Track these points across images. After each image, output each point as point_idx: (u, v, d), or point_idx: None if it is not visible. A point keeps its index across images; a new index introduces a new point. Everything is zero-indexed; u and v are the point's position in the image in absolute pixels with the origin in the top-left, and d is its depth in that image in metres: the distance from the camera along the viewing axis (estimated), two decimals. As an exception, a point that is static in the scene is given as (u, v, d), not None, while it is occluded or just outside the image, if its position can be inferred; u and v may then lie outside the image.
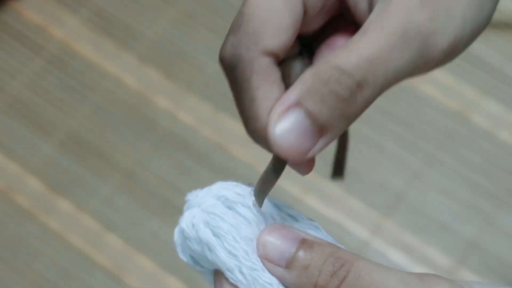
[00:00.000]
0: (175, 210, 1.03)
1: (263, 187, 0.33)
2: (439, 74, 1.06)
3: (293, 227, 0.31)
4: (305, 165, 0.32)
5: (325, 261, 0.29)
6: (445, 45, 0.30)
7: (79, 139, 1.07)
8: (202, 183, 1.14)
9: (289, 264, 0.29)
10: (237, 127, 1.05)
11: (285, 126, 0.29)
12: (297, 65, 0.33)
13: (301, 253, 0.29)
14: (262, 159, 1.03)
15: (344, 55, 0.28)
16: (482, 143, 1.04)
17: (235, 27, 0.31)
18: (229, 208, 0.33)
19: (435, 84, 1.06)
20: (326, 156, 0.39)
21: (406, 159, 1.03)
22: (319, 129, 0.28)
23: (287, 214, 0.33)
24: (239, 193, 0.32)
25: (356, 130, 0.98)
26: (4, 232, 1.03)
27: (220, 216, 0.32)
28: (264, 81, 0.30)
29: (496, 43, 1.08)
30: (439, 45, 0.29)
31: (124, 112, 1.08)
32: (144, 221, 1.02)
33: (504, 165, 1.02)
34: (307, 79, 0.28)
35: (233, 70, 0.31)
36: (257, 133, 0.31)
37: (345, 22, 0.34)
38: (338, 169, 0.37)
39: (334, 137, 0.29)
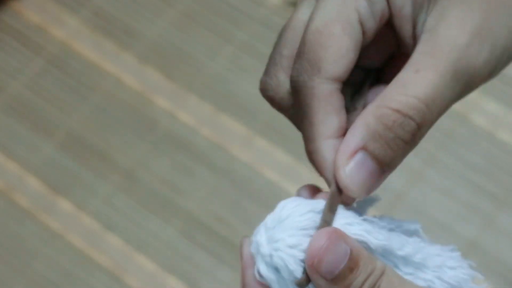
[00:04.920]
0: (175, 210, 1.03)
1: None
2: (439, 74, 1.06)
3: (344, 234, 0.31)
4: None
5: (365, 280, 0.31)
6: (486, 74, 0.32)
7: (79, 139, 1.07)
8: (202, 183, 1.14)
9: (334, 279, 0.30)
10: (237, 127, 1.05)
11: (352, 168, 0.31)
12: (360, 93, 0.35)
13: (347, 271, 0.30)
14: (262, 159, 1.03)
15: (403, 99, 0.30)
16: (482, 143, 1.04)
17: (298, 54, 0.32)
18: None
19: (435, 84, 1.06)
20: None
21: (406, 159, 1.03)
22: (383, 168, 0.32)
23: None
24: (311, 218, 0.32)
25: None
26: (4, 232, 1.03)
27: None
28: (323, 107, 0.32)
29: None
30: (482, 75, 0.32)
31: (124, 112, 1.08)
32: (144, 221, 1.02)
33: (504, 165, 1.03)
34: (370, 122, 0.30)
35: (296, 94, 0.32)
36: (311, 154, 0.33)
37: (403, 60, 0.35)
38: None
39: (393, 171, 0.32)
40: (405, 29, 0.33)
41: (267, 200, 1.02)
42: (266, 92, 0.34)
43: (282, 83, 0.34)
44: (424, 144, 1.10)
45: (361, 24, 0.32)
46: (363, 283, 0.30)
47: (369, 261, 0.31)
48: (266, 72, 0.35)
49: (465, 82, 0.32)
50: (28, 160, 1.06)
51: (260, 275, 0.32)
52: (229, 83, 1.07)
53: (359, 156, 0.31)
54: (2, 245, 1.02)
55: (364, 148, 0.31)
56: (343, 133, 0.32)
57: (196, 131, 1.06)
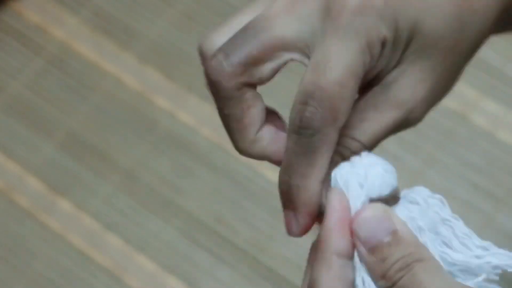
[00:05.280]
0: (175, 210, 1.03)
1: None
2: (439, 75, 1.06)
3: (394, 213, 0.34)
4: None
5: (400, 258, 0.32)
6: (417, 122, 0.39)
7: (79, 139, 1.07)
8: (202, 183, 1.14)
9: (372, 249, 0.33)
10: (237, 127, 1.05)
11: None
12: None
13: (385, 245, 0.33)
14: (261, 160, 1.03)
15: (367, 133, 0.37)
16: (481, 143, 1.04)
17: (313, 97, 0.34)
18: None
19: (435, 84, 1.06)
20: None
21: (406, 159, 1.03)
22: None
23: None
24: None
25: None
26: (5, 232, 1.03)
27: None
28: (328, 156, 0.35)
29: (496, 44, 1.08)
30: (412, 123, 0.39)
31: (124, 112, 1.08)
32: (144, 221, 1.02)
33: (504, 165, 1.03)
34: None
35: (301, 134, 0.35)
36: (298, 189, 0.36)
37: None
38: None
39: None
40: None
41: (267, 200, 1.02)
42: (216, 70, 0.35)
43: (235, 72, 0.35)
44: (424, 144, 1.11)
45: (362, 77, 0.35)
46: (397, 260, 0.32)
47: (414, 245, 0.33)
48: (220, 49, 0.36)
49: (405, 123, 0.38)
50: (28, 160, 1.06)
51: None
52: (229, 83, 1.07)
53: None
54: (2, 245, 1.02)
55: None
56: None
57: (196, 131, 1.06)
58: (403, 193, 0.36)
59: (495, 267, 0.34)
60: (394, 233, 0.33)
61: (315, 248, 0.34)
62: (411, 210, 0.35)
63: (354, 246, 0.33)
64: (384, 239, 0.33)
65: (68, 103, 1.09)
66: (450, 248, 0.34)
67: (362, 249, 0.33)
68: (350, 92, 0.34)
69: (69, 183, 1.05)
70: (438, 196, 0.36)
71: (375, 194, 0.35)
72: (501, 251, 0.34)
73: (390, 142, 1.04)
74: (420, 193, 0.36)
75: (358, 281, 0.33)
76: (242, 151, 0.38)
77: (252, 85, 0.36)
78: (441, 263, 0.34)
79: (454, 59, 0.38)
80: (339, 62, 0.33)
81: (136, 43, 1.12)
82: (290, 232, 0.36)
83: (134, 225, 1.02)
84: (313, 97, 0.33)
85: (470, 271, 0.35)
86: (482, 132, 1.04)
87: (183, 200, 1.03)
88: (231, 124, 0.37)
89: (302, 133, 0.34)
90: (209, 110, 1.07)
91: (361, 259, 0.33)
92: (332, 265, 0.33)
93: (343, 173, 0.35)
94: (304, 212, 0.35)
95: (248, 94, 0.36)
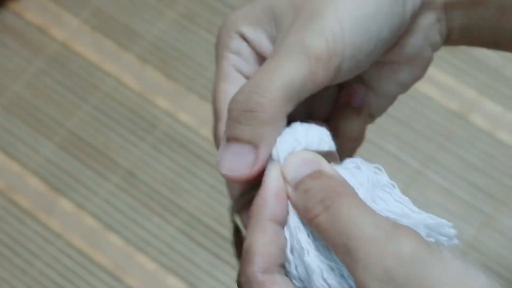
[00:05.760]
0: (175, 210, 1.03)
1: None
2: (438, 75, 1.06)
3: (323, 158, 0.34)
4: None
5: (321, 189, 0.32)
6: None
7: (79, 139, 1.07)
8: (202, 183, 1.14)
9: (296, 185, 0.33)
10: (237, 127, 1.05)
11: None
12: None
13: (308, 179, 0.33)
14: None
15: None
16: (481, 143, 1.04)
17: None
18: None
19: (434, 85, 1.06)
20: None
21: (406, 160, 1.03)
22: None
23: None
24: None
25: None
26: (5, 232, 1.03)
27: None
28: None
29: (495, 44, 1.08)
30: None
31: (125, 113, 1.08)
32: (144, 221, 1.02)
33: (503, 166, 1.03)
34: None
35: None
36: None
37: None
38: None
39: None
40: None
41: (267, 200, 1.02)
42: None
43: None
44: (424, 144, 1.11)
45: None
46: (319, 191, 0.32)
47: (339, 181, 0.32)
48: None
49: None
50: (28, 160, 1.06)
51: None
52: (229, 83, 1.07)
53: None
54: (2, 244, 1.02)
55: None
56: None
57: (196, 131, 1.06)
58: (343, 161, 0.36)
59: (428, 226, 0.34)
60: (319, 170, 0.33)
61: (251, 215, 0.34)
62: (351, 171, 0.35)
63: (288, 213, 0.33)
64: (306, 175, 0.33)
65: (68, 103, 1.09)
66: (387, 205, 0.34)
67: (289, 189, 0.33)
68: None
69: (69, 183, 1.05)
70: (376, 164, 0.36)
71: (313, 148, 0.34)
72: (438, 218, 0.34)
73: (390, 142, 1.05)
74: (359, 160, 0.36)
75: (286, 229, 0.33)
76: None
77: None
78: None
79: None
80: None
81: (136, 43, 1.12)
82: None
83: (134, 225, 1.03)
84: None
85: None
86: (482, 132, 1.04)
87: (183, 200, 1.03)
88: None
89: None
90: (209, 110, 1.07)
91: (290, 202, 0.33)
92: (266, 230, 0.33)
93: (283, 134, 0.35)
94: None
95: None
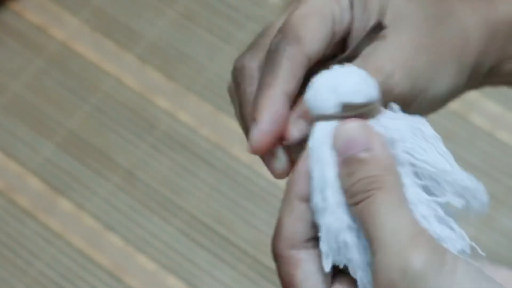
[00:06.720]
0: (175, 210, 1.03)
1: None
2: (438, 75, 1.06)
3: (375, 131, 0.34)
4: None
5: (365, 177, 0.33)
6: (403, 100, 0.39)
7: (79, 139, 1.07)
8: (202, 183, 1.14)
9: (345, 161, 0.33)
10: (237, 127, 1.05)
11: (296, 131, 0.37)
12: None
13: (355, 161, 0.33)
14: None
15: None
16: (481, 143, 1.04)
17: (280, 30, 0.38)
18: None
19: (434, 85, 1.06)
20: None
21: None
22: None
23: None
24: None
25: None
26: (5, 232, 1.03)
27: None
28: (292, 70, 0.36)
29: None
30: (398, 100, 0.38)
31: (124, 112, 1.08)
32: (144, 221, 1.02)
33: (503, 166, 1.03)
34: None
35: (271, 55, 0.37)
36: (260, 98, 0.37)
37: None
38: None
39: None
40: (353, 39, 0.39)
41: (267, 200, 1.02)
42: (241, 60, 0.40)
43: (257, 59, 0.39)
44: (424, 144, 1.10)
45: (333, 23, 0.38)
46: (360, 179, 0.33)
47: (383, 167, 0.33)
48: (244, 51, 0.40)
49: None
50: (28, 160, 1.06)
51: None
52: (229, 83, 1.07)
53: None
54: (2, 245, 1.02)
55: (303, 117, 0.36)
56: (292, 100, 0.37)
57: (196, 131, 1.06)
58: (385, 112, 0.36)
59: (465, 187, 0.34)
60: (368, 149, 0.33)
61: (284, 193, 0.36)
62: (393, 123, 0.35)
63: None
64: (357, 154, 0.33)
65: (68, 103, 1.09)
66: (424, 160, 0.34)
67: (338, 158, 0.34)
68: (314, 25, 0.37)
69: (69, 183, 1.05)
70: (419, 117, 0.36)
71: (347, 99, 0.34)
72: (476, 182, 0.34)
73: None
74: (399, 110, 0.36)
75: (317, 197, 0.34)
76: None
77: (271, 50, 0.38)
78: (409, 174, 0.34)
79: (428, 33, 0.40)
80: (308, 3, 0.38)
81: (136, 43, 1.12)
82: (250, 141, 0.37)
83: (134, 225, 1.02)
84: (282, 27, 0.38)
85: (436, 188, 0.35)
86: (482, 132, 1.04)
87: (183, 200, 1.03)
88: (248, 102, 0.39)
89: (269, 50, 0.38)
90: (209, 110, 1.07)
91: (338, 170, 0.34)
92: (294, 208, 0.34)
93: (319, 77, 0.34)
94: (265, 117, 0.36)
95: None
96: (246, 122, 0.40)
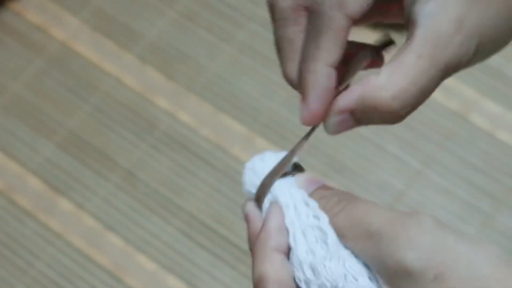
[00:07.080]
0: (175, 210, 1.03)
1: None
2: (438, 75, 1.06)
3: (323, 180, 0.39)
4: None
5: (335, 195, 0.36)
6: (466, 67, 0.38)
7: (79, 139, 1.07)
8: (202, 183, 1.14)
9: (312, 194, 0.38)
10: (237, 127, 1.06)
11: (335, 121, 0.37)
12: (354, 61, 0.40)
13: (320, 189, 0.38)
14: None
15: (401, 84, 0.35)
16: (481, 143, 1.04)
17: None
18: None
19: (434, 85, 1.06)
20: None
21: (406, 160, 1.03)
22: (357, 126, 0.37)
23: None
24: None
25: (355, 131, 0.99)
26: (5, 232, 1.03)
27: None
28: (334, 39, 0.36)
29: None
30: (463, 68, 0.38)
31: (125, 112, 1.08)
32: (144, 221, 1.02)
33: (503, 166, 1.03)
34: (366, 96, 0.35)
35: (313, 18, 0.37)
36: (305, 72, 0.37)
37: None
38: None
39: None
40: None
41: (267, 200, 1.02)
42: None
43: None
44: (424, 144, 1.11)
45: None
46: (333, 195, 0.37)
47: (344, 191, 0.37)
48: None
49: (448, 74, 0.36)
50: (28, 160, 1.07)
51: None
52: (229, 83, 1.07)
53: (346, 115, 0.36)
54: (2, 244, 1.02)
55: (351, 112, 0.36)
56: (337, 67, 0.37)
57: (196, 131, 1.06)
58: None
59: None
60: (325, 185, 0.38)
61: (256, 248, 0.38)
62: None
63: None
64: (318, 187, 0.38)
65: (68, 103, 1.09)
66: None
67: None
68: None
69: (69, 183, 1.05)
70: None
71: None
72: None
73: (390, 142, 1.05)
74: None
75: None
76: (287, 76, 0.39)
77: (314, 11, 0.37)
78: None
79: None
80: None
81: (136, 43, 1.12)
82: (301, 119, 0.38)
83: (134, 225, 1.03)
84: None
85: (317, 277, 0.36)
86: (482, 132, 1.04)
87: (183, 200, 1.03)
88: (282, 44, 0.38)
89: (311, 18, 0.37)
90: (209, 110, 1.07)
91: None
92: (274, 259, 0.36)
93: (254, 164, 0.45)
94: (312, 95, 0.37)
95: (304, 18, 0.37)
96: (280, 51, 0.39)
